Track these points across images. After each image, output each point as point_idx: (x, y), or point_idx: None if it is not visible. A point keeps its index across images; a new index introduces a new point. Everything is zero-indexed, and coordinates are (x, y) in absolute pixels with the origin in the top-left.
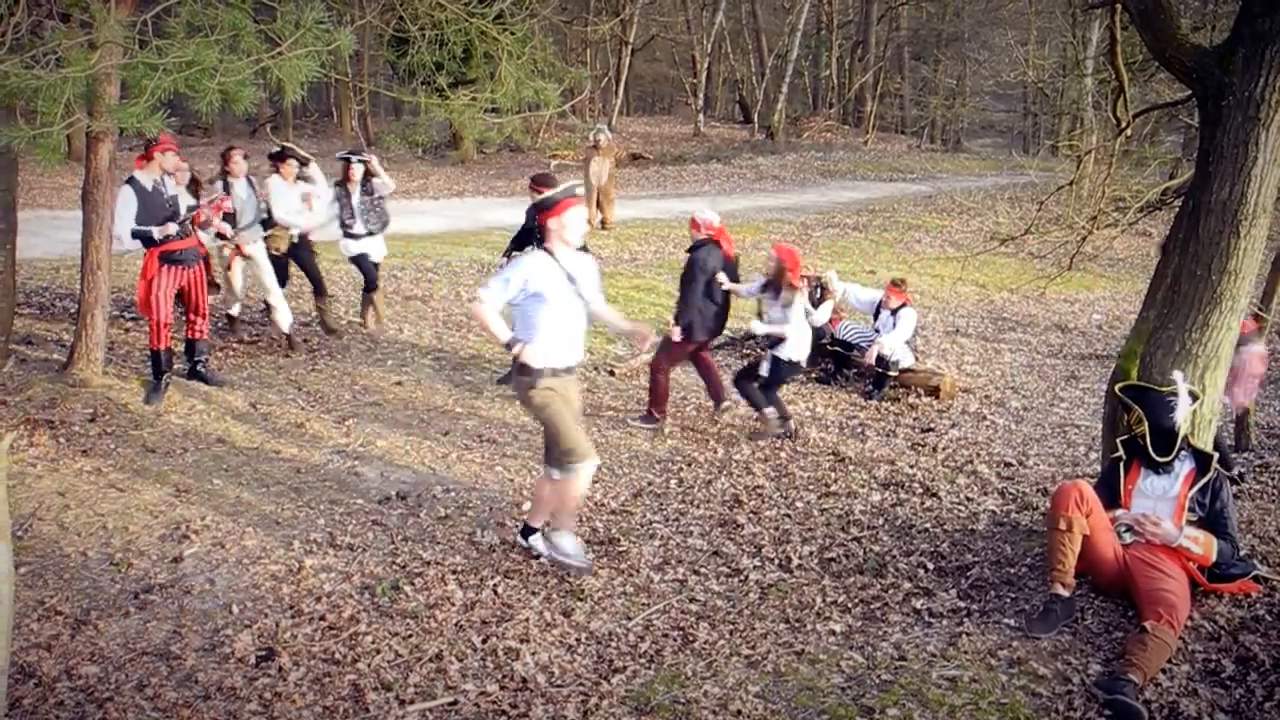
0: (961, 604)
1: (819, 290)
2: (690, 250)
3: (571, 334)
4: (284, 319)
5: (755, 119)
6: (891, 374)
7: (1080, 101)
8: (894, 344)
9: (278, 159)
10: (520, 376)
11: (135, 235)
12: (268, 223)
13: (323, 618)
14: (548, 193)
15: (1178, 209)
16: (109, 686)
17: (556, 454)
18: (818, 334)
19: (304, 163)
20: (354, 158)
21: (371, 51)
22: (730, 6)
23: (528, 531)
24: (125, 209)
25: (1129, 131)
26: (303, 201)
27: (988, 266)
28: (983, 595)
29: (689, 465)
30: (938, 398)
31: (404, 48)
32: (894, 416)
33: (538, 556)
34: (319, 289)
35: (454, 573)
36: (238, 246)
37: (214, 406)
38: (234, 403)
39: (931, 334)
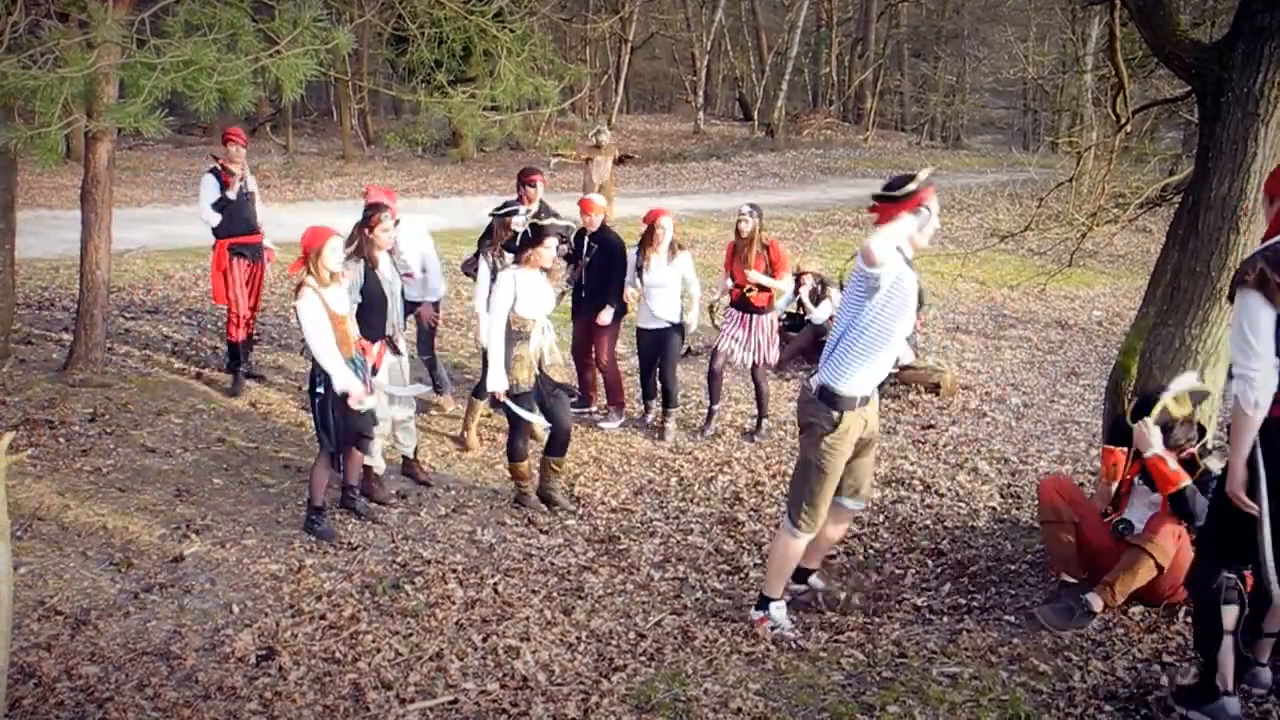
0: (962, 601)
1: (821, 287)
2: (603, 234)
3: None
4: (409, 444)
5: (755, 116)
6: (892, 371)
7: (1080, 98)
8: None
9: (529, 243)
10: (827, 408)
11: (215, 207)
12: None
13: (323, 617)
14: (908, 185)
15: (1177, 205)
16: (109, 686)
17: (792, 506)
18: (817, 332)
19: (566, 236)
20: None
21: (370, 50)
22: (730, 4)
23: (763, 602)
24: (205, 194)
25: (1128, 128)
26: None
27: (988, 263)
28: (983, 592)
29: (689, 462)
30: (938, 394)
31: (403, 46)
32: (894, 414)
33: (775, 629)
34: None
35: (454, 571)
36: (390, 339)
37: (214, 406)
38: (234, 402)
39: (932, 331)
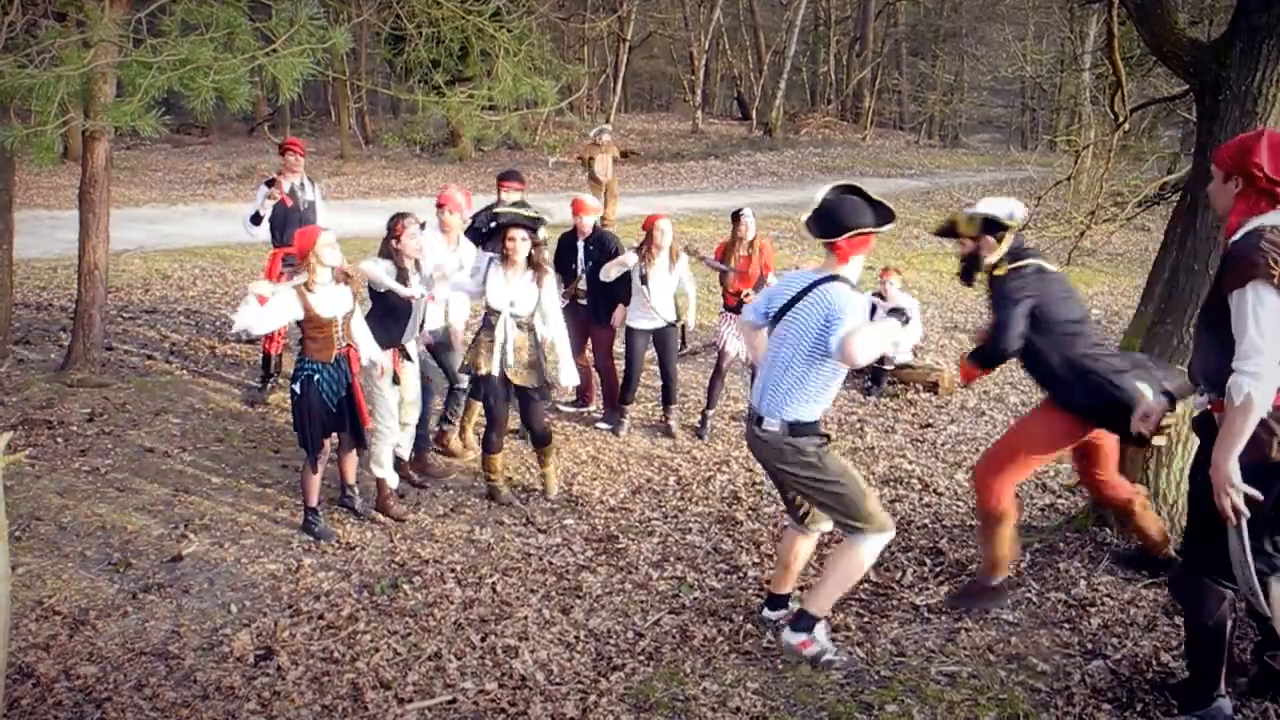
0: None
1: None
2: (599, 236)
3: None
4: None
5: (753, 116)
6: (889, 369)
7: (1078, 96)
8: (905, 342)
9: (498, 232)
10: (807, 438)
11: (254, 220)
12: None
13: (321, 616)
14: (876, 210)
15: (1175, 203)
16: (107, 686)
17: (855, 521)
18: None
19: (531, 226)
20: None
21: (368, 49)
22: (728, 3)
23: (808, 623)
24: (252, 206)
25: (1126, 126)
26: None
27: None
28: None
29: (688, 462)
30: (936, 393)
31: (400, 45)
32: (892, 412)
33: (819, 658)
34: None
35: (452, 571)
36: (402, 346)
37: (212, 406)
38: (231, 403)
39: (930, 330)
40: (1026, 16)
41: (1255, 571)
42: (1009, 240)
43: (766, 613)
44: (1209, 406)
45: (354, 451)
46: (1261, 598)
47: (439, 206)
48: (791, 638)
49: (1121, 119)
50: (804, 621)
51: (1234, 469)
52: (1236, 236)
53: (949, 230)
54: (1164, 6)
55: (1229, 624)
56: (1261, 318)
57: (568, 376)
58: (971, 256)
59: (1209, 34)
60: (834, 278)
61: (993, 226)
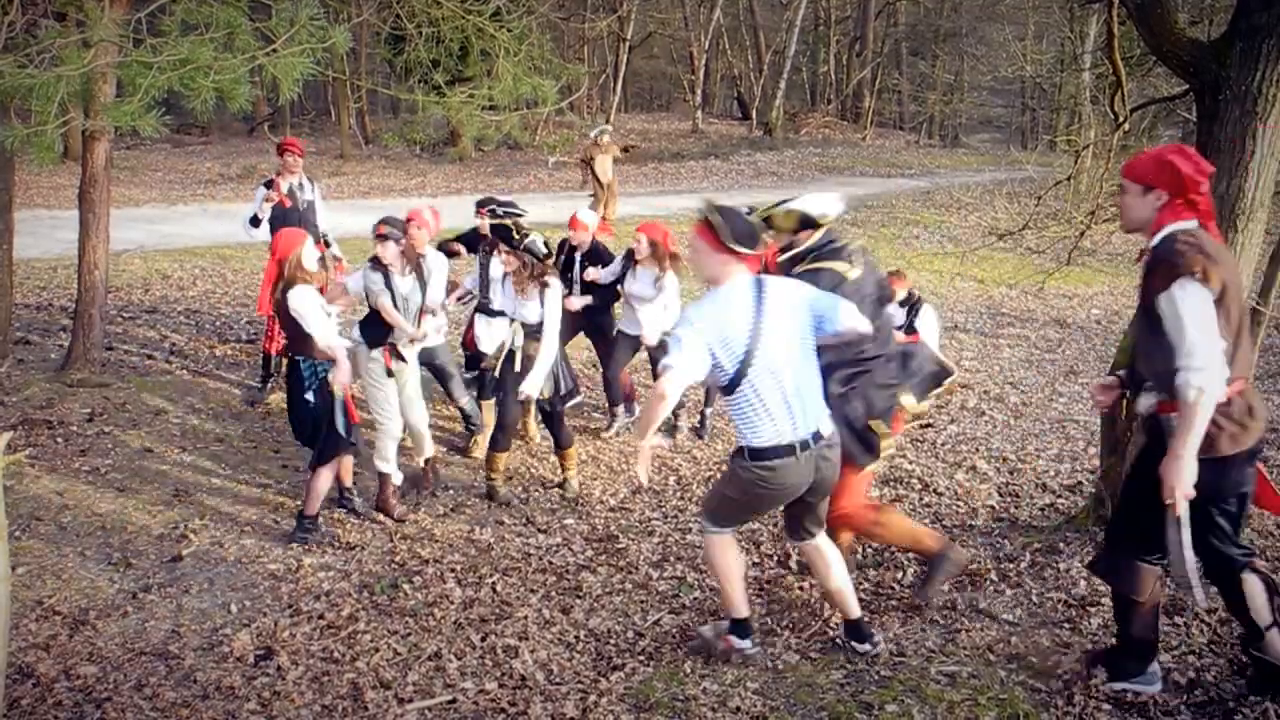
0: (960, 599)
1: None
2: (595, 250)
3: None
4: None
5: (753, 115)
6: None
7: (1078, 96)
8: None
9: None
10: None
11: (253, 223)
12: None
13: (321, 616)
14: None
15: None
16: (107, 686)
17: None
18: None
19: (508, 239)
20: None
21: (368, 49)
22: (728, 3)
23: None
24: (251, 207)
25: (1127, 126)
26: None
27: (986, 262)
28: (981, 590)
29: (688, 461)
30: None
31: (400, 45)
32: None
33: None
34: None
35: (452, 570)
36: (393, 345)
37: (212, 406)
38: (231, 403)
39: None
40: (1026, 16)
41: (1210, 563)
42: (819, 236)
43: (865, 647)
44: (1156, 409)
45: (347, 458)
46: (1198, 590)
47: (407, 221)
48: (875, 645)
49: (1121, 119)
50: (866, 628)
51: (1191, 463)
52: (1155, 242)
53: (766, 224)
54: (1164, 6)
55: (1160, 601)
56: (1194, 312)
57: (530, 384)
58: (786, 250)
59: (1209, 34)
60: (764, 276)
61: (808, 223)
